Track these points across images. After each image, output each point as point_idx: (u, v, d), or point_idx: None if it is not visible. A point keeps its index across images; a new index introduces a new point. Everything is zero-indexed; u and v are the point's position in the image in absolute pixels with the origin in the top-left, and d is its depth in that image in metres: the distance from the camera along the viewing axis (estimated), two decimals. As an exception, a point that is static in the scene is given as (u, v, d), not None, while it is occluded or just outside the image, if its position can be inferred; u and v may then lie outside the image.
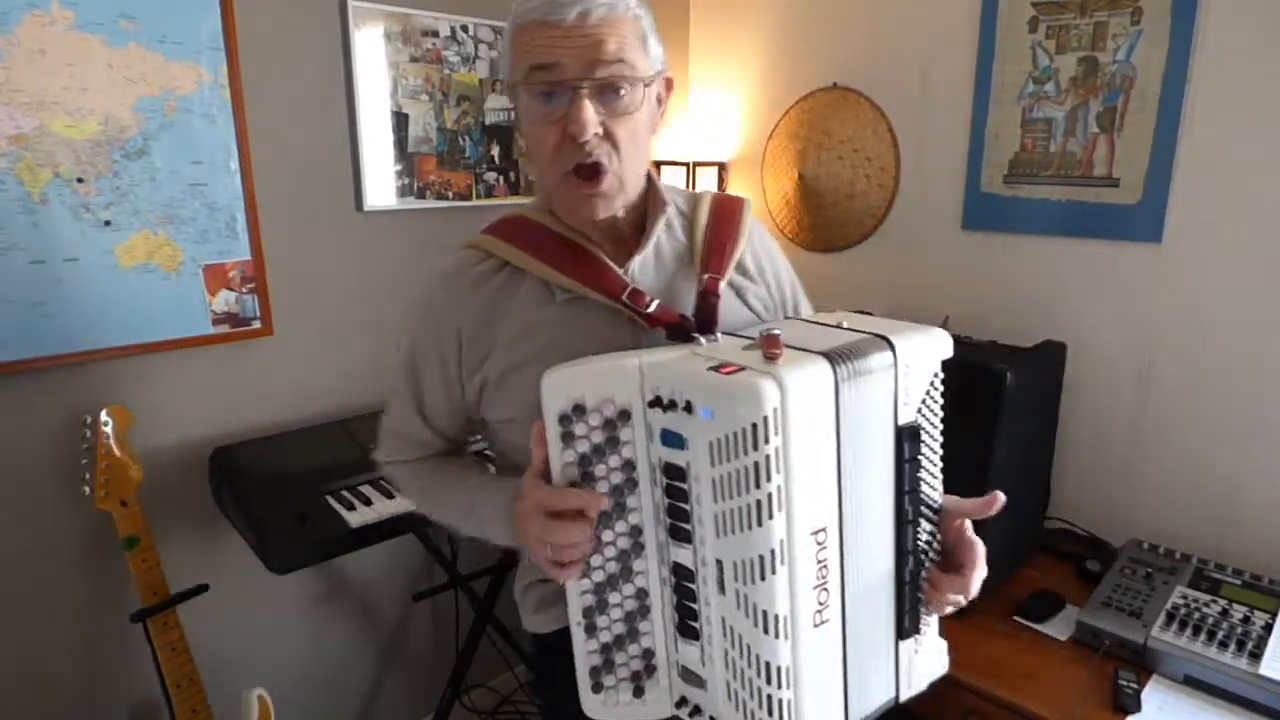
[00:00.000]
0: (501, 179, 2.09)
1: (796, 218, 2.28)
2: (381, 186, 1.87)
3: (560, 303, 0.91)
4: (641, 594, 0.80)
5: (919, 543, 0.80)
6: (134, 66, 1.48)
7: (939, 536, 0.84)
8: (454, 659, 2.05)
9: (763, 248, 1.04)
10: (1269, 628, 1.36)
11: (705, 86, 2.50)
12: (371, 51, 1.80)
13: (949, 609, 0.84)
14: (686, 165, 2.42)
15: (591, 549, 0.78)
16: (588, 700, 0.81)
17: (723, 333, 0.85)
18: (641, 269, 0.93)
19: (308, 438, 1.74)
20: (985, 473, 1.46)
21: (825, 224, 2.21)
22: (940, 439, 0.82)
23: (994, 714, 1.33)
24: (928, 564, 0.83)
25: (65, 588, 1.56)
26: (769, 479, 0.66)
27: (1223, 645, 1.32)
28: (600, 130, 0.82)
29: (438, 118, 1.94)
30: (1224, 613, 1.40)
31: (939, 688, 0.87)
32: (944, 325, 0.85)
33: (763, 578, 0.69)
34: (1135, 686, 1.30)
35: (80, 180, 1.45)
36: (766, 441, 0.66)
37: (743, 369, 0.69)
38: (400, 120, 1.87)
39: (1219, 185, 1.57)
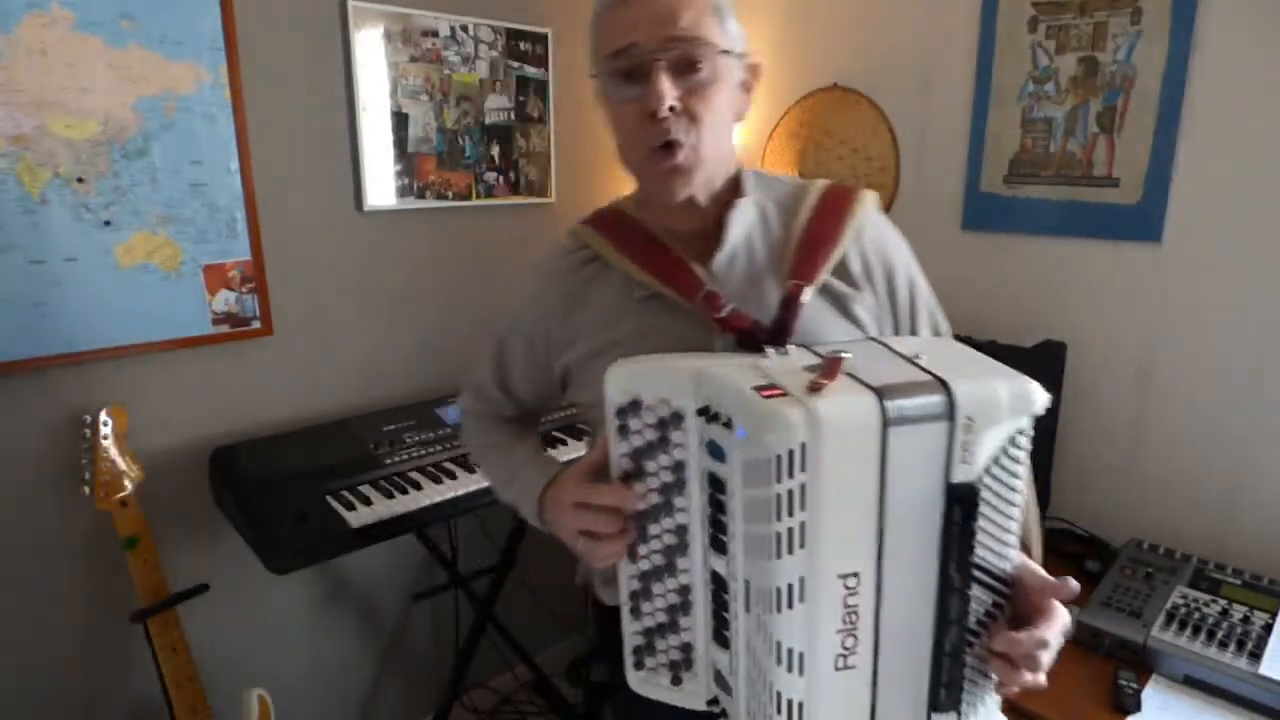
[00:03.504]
0: (501, 179, 2.09)
1: (796, 218, 2.27)
2: (381, 186, 1.87)
3: (638, 299, 0.91)
4: (684, 590, 0.81)
5: (966, 614, 0.73)
6: (134, 66, 1.48)
7: (1005, 608, 0.76)
8: (454, 659, 2.05)
9: (877, 248, 0.92)
10: (1269, 628, 1.35)
11: (705, 86, 2.50)
12: (371, 51, 1.80)
13: (1016, 686, 0.75)
14: (686, 165, 2.42)
15: (628, 543, 0.81)
16: (631, 675, 0.86)
17: (799, 345, 0.80)
18: (728, 267, 0.89)
19: (308, 438, 1.74)
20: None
21: (825, 224, 2.20)
22: (1015, 503, 0.73)
23: (994, 714, 1.33)
24: (982, 637, 0.75)
25: (65, 588, 1.56)
26: (790, 514, 0.65)
27: (1223, 645, 1.32)
28: (677, 104, 0.81)
29: (438, 118, 1.94)
30: (1224, 613, 1.40)
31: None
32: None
33: (779, 610, 0.67)
34: (1135, 686, 1.30)
35: (80, 180, 1.45)
36: (791, 476, 0.64)
37: (784, 394, 0.66)
38: (400, 120, 1.87)
39: (1219, 185, 1.57)
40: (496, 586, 2.04)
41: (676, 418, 0.75)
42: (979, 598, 0.74)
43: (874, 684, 0.71)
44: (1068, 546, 1.75)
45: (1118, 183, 1.68)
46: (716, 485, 0.74)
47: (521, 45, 2.06)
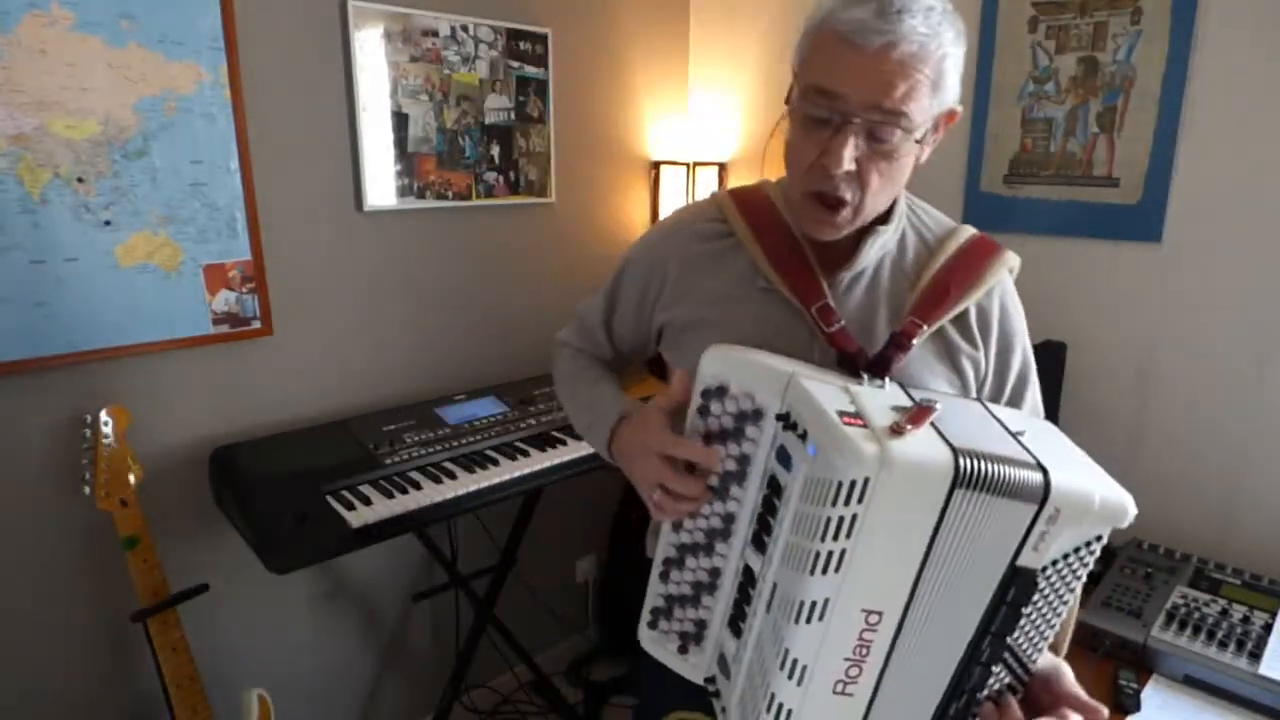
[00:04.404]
0: (501, 179, 2.09)
1: (796, 218, 2.27)
2: (381, 186, 1.87)
3: (759, 289, 0.92)
4: (714, 573, 0.84)
5: (982, 686, 0.75)
6: (134, 66, 1.48)
7: (1019, 692, 0.79)
8: (454, 659, 2.06)
9: (1002, 313, 0.93)
10: (1269, 628, 1.36)
11: (705, 86, 2.50)
12: (371, 51, 1.80)
13: None
14: (687, 165, 2.42)
15: (696, 505, 0.82)
16: (643, 632, 0.90)
17: (897, 383, 0.81)
18: (850, 285, 0.91)
19: (308, 438, 1.74)
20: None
21: (825, 224, 2.20)
22: (1067, 603, 0.76)
23: (994, 714, 1.33)
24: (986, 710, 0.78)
25: (65, 588, 1.56)
26: (835, 539, 0.66)
27: (1222, 645, 1.32)
28: (853, 167, 0.81)
29: (438, 118, 1.93)
30: (1224, 613, 1.40)
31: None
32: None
33: (795, 621, 0.69)
34: (1135, 686, 1.30)
35: (80, 180, 1.45)
36: (847, 504, 0.65)
37: (864, 427, 0.67)
38: (400, 120, 1.87)
39: (1219, 185, 1.57)
40: (496, 586, 2.04)
41: (756, 414, 0.77)
42: (997, 676, 0.76)
43: (865, 717, 0.74)
44: (1068, 546, 1.75)
45: (1118, 183, 1.68)
46: (774, 488, 0.76)
47: (521, 45, 2.06)
